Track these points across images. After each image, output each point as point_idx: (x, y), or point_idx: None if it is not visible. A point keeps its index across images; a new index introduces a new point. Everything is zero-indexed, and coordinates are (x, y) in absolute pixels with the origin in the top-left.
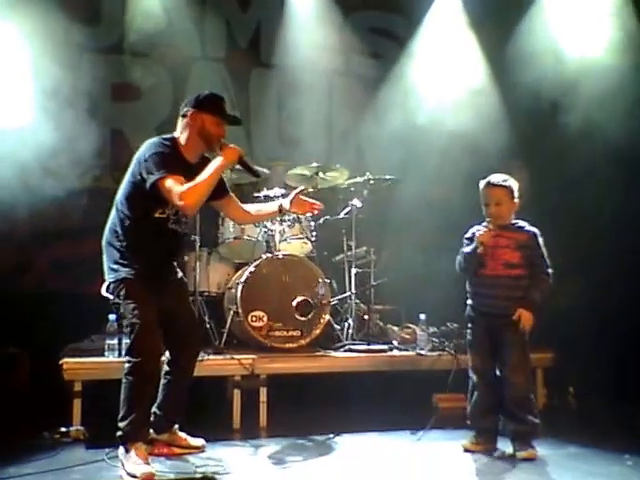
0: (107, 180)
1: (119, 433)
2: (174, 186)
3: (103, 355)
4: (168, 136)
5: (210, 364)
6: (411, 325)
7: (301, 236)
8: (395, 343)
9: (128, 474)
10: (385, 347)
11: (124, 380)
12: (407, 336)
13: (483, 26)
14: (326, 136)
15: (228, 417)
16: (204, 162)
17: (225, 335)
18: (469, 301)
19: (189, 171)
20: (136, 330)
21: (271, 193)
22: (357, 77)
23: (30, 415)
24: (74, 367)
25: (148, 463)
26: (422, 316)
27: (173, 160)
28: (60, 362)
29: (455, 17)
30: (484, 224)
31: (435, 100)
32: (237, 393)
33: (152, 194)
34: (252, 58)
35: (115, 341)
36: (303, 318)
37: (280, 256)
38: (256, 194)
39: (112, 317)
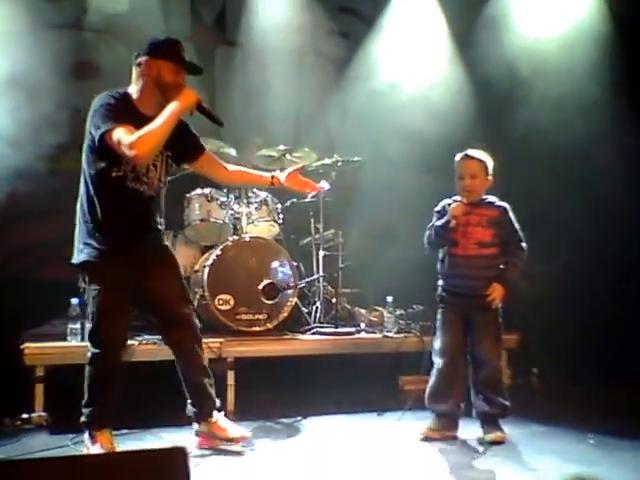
0: (66, 161)
1: (82, 419)
2: (124, 136)
3: (65, 339)
4: (120, 90)
5: None
6: (378, 308)
7: (268, 218)
8: (362, 326)
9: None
10: (352, 330)
11: (86, 368)
12: (374, 318)
13: (451, 5)
14: (294, 116)
15: None
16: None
17: None
18: (440, 282)
19: (144, 124)
20: (95, 319)
21: None
22: (325, 56)
23: None
24: (36, 352)
25: (113, 449)
26: (389, 298)
27: (124, 111)
28: (21, 347)
29: None
30: (454, 199)
31: (405, 81)
32: None
33: (103, 151)
34: (218, 36)
35: (78, 325)
36: (269, 301)
37: (247, 239)
38: None
39: (74, 301)
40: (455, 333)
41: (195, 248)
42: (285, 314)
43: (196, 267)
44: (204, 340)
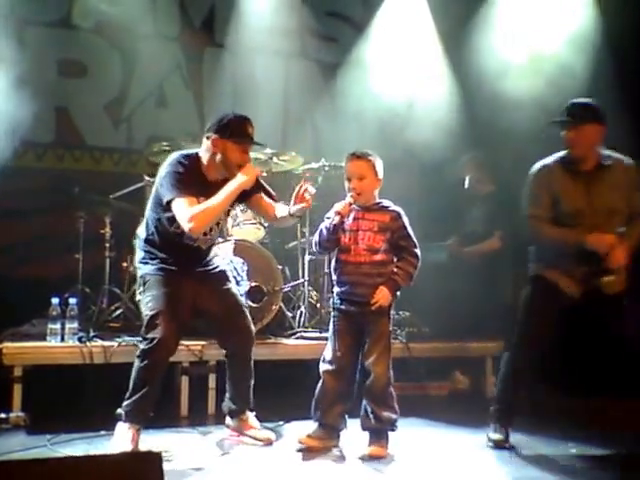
0: (50, 159)
1: (118, 411)
2: (184, 208)
3: (45, 340)
4: (191, 152)
5: None
6: None
7: (254, 221)
8: None
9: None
10: None
11: (135, 361)
12: None
13: (442, 10)
14: (282, 120)
15: (176, 404)
16: (226, 180)
17: None
18: (335, 289)
19: (208, 189)
20: (147, 320)
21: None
22: (314, 61)
23: None
24: (14, 352)
25: (132, 444)
26: None
27: (190, 179)
28: None
29: (414, 1)
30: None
31: (393, 86)
32: (185, 380)
33: (166, 210)
34: (206, 38)
35: (58, 325)
36: (254, 305)
37: (232, 241)
38: None
39: (55, 301)
40: (344, 342)
41: None
42: (269, 318)
43: None
44: (185, 342)
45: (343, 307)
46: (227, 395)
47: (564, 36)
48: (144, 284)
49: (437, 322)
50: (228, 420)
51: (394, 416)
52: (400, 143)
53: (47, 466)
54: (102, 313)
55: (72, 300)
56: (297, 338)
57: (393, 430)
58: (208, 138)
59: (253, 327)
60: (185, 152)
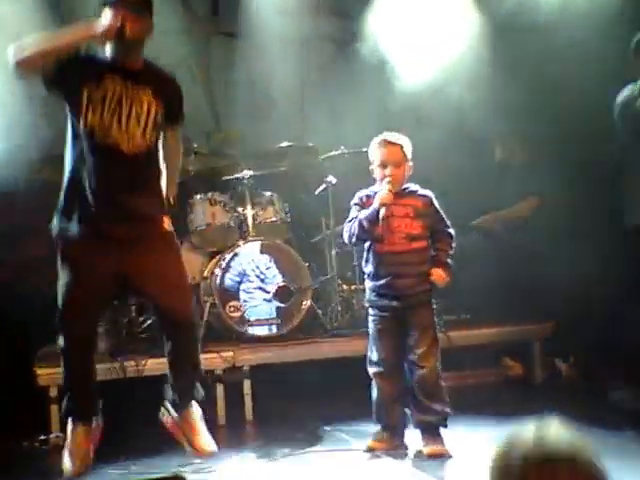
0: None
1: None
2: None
3: None
4: None
5: None
6: None
7: (274, 219)
8: None
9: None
10: None
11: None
12: None
13: None
14: (299, 106)
15: (213, 413)
16: (147, 70)
17: (203, 328)
18: (369, 283)
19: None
20: (58, 315)
21: (240, 175)
22: (329, 40)
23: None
24: (48, 373)
25: (80, 447)
26: None
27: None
28: (33, 368)
29: None
30: (372, 190)
31: (414, 63)
32: (220, 388)
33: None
34: (212, 26)
35: None
36: (283, 305)
37: (257, 241)
38: (226, 177)
39: None
40: (390, 340)
41: (202, 254)
42: (299, 318)
43: (205, 274)
44: (216, 349)
45: (382, 303)
46: (169, 386)
47: None
48: (60, 249)
49: (478, 307)
50: (173, 412)
51: (447, 409)
52: (425, 122)
53: None
54: (132, 324)
55: None
56: (330, 336)
57: (445, 426)
58: None
59: (192, 312)
60: None
